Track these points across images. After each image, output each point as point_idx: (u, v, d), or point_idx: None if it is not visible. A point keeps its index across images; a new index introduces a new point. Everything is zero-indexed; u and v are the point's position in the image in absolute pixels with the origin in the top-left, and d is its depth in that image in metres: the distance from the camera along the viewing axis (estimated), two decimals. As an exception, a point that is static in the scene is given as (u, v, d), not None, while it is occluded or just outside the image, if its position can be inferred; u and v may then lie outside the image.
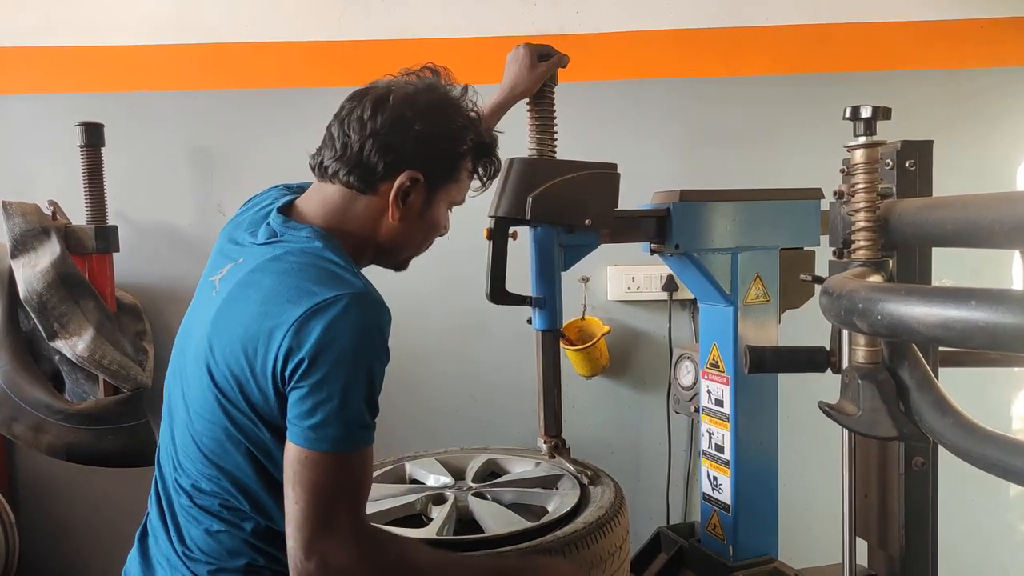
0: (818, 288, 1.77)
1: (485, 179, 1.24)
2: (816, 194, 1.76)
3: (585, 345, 2.24)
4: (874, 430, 1.10)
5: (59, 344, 2.04)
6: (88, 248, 2.14)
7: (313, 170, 1.18)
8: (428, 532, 1.41)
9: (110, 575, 2.42)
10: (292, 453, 1.00)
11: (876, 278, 1.02)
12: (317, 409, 0.98)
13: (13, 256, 2.03)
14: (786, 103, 2.39)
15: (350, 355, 0.99)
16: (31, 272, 2.01)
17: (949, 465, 1.68)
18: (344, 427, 0.99)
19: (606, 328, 2.25)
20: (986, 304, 0.65)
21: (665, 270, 2.31)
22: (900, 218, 1.08)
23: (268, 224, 1.16)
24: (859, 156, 1.10)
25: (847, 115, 1.10)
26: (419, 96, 1.12)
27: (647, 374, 2.38)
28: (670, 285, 2.33)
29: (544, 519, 1.45)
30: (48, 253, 2.04)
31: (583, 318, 2.34)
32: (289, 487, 1.00)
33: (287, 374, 0.99)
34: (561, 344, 2.18)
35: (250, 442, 1.06)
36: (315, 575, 0.98)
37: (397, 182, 1.12)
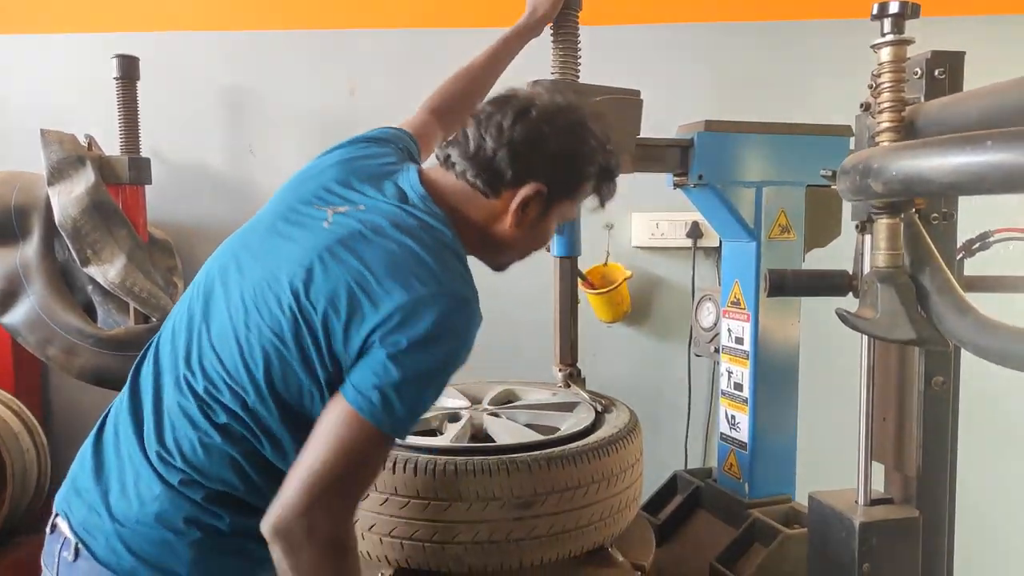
0: (845, 224, 1.76)
1: (603, 201, 1.24)
2: (846, 131, 1.73)
3: (607, 289, 2.23)
4: (892, 333, 1.09)
5: (92, 270, 2.09)
6: (122, 178, 2.18)
7: (439, 159, 1.20)
8: (442, 441, 1.43)
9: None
10: (339, 409, 1.00)
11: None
12: (392, 382, 0.98)
13: (50, 183, 2.09)
14: (818, 49, 2.34)
15: (445, 353, 1.01)
16: (67, 198, 2.06)
17: (979, 426, 1.65)
18: (405, 410, 1.00)
19: (628, 273, 2.24)
20: (1001, 143, 0.63)
21: (690, 216, 2.29)
22: (926, 117, 1.06)
23: (397, 184, 1.15)
24: (885, 54, 1.07)
25: (874, 13, 1.07)
26: (559, 115, 1.14)
27: (669, 321, 2.37)
28: (694, 232, 2.31)
29: (557, 435, 1.45)
30: (83, 180, 2.09)
31: (606, 264, 2.33)
32: (319, 440, 0.99)
33: (377, 337, 0.99)
34: (583, 287, 2.18)
35: (307, 377, 1.03)
36: (296, 535, 0.97)
37: (521, 192, 1.13)
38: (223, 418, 1.04)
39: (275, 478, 1.02)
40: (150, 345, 1.16)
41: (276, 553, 0.98)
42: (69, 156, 2.11)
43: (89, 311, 2.26)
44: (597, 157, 1.17)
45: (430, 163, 1.24)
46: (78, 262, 2.10)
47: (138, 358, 1.16)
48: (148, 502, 1.03)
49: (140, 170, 2.22)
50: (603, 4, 1.76)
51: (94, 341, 2.10)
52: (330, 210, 1.11)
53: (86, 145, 2.21)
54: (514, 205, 1.13)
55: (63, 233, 2.08)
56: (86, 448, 1.13)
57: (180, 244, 2.43)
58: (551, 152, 1.13)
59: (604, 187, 1.21)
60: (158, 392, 1.08)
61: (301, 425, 1.03)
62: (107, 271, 2.09)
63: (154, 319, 2.18)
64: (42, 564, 1.12)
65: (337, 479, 0.98)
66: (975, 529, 1.87)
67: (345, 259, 1.03)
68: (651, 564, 1.50)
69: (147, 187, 2.29)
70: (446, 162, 1.17)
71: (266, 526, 0.98)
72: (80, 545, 1.04)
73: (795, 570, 1.56)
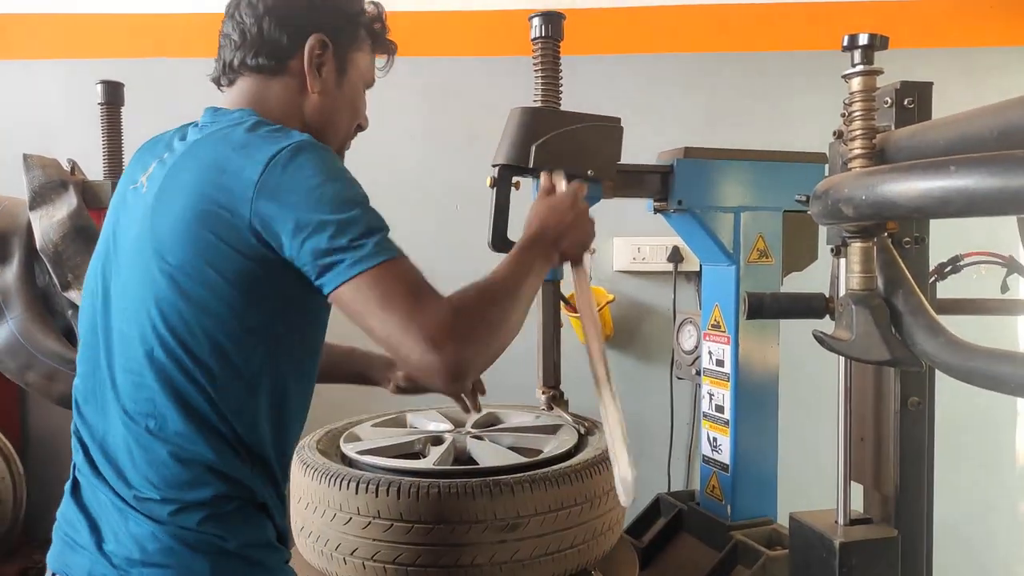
0: (821, 248, 1.79)
1: (383, 46, 1.23)
2: (820, 158, 1.77)
3: (589, 313, 2.25)
4: (868, 354, 1.11)
5: (72, 295, 2.08)
6: (105, 203, 2.18)
7: (217, 80, 1.17)
8: (425, 464, 1.43)
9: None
10: (348, 292, 0.93)
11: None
12: (329, 234, 0.92)
13: (32, 207, 2.08)
14: (795, 81, 2.41)
15: (334, 182, 0.96)
16: (48, 223, 2.06)
17: (952, 447, 1.69)
18: (368, 236, 0.94)
19: (610, 296, 2.27)
20: (964, 169, 0.66)
21: (671, 240, 2.32)
22: (896, 144, 1.09)
23: (192, 125, 1.12)
24: (856, 84, 1.11)
25: (845, 44, 1.11)
26: None
27: (651, 344, 2.39)
28: (675, 256, 2.34)
29: (540, 457, 1.46)
30: (65, 205, 2.08)
31: (588, 288, 2.35)
32: (370, 318, 0.92)
33: (276, 226, 0.94)
34: (565, 311, 2.20)
35: (218, 317, 0.98)
36: (439, 362, 0.91)
37: (307, 49, 1.11)
38: (167, 420, 1.00)
39: (242, 434, 1.01)
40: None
41: (466, 377, 0.94)
42: (51, 181, 2.11)
43: (69, 336, 2.24)
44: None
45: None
46: (59, 287, 2.09)
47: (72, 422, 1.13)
48: (147, 544, 0.99)
49: (123, 195, 2.22)
50: (585, 35, 1.81)
51: (74, 366, 2.08)
52: (142, 177, 1.08)
53: (69, 170, 2.21)
54: (307, 64, 1.11)
55: (44, 258, 2.06)
56: (67, 507, 1.09)
57: (162, 269, 2.42)
58: (313, 3, 1.12)
59: (377, 29, 1.21)
60: (97, 434, 1.05)
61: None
62: (88, 296, 2.07)
63: (135, 344, 2.16)
64: None
65: (411, 311, 0.91)
66: (952, 547, 1.90)
67: (179, 197, 0.98)
68: (635, 587, 1.50)
69: (130, 212, 2.29)
70: (228, 71, 1.14)
71: (432, 376, 0.92)
72: None
73: (778, 592, 1.57)
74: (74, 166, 2.23)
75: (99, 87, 2.21)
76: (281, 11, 1.11)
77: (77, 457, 1.10)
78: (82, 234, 2.09)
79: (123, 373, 1.03)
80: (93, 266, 1.13)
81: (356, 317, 0.95)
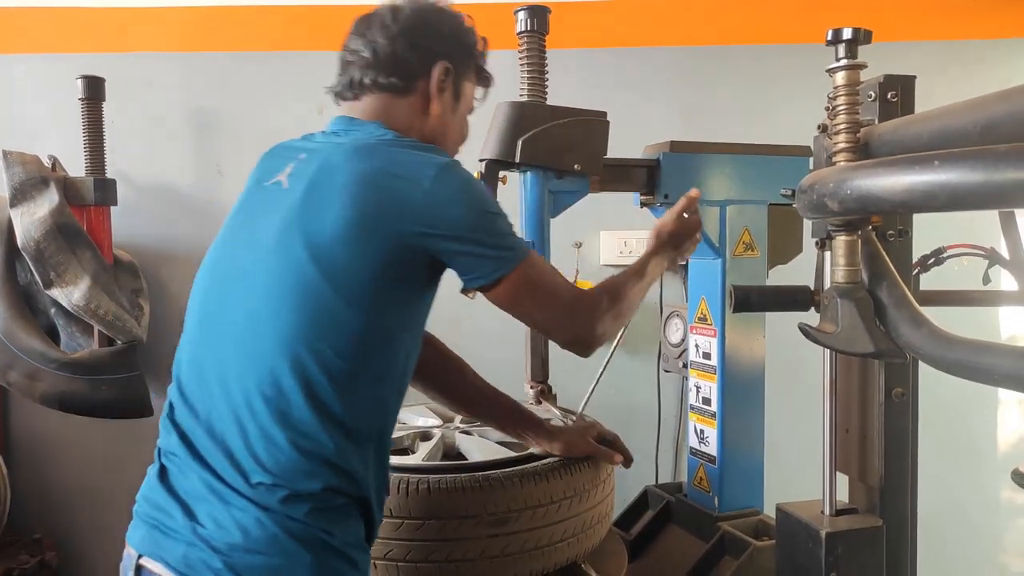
0: (806, 241, 1.80)
1: (484, 84, 1.34)
2: (805, 152, 1.77)
3: (577, 307, 2.25)
4: (852, 347, 1.12)
5: (55, 293, 2.06)
6: (86, 200, 2.16)
7: (340, 94, 1.25)
8: (414, 460, 1.43)
9: (98, 533, 2.46)
10: (506, 287, 1.11)
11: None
12: (483, 241, 1.09)
13: (12, 205, 2.06)
14: (780, 74, 2.42)
15: (481, 199, 1.12)
16: (29, 220, 2.03)
17: (939, 441, 1.71)
18: (511, 244, 1.13)
19: (598, 290, 2.27)
20: (948, 163, 0.67)
21: (657, 234, 2.33)
22: (880, 138, 1.10)
23: (322, 132, 1.21)
24: (840, 78, 1.12)
25: (829, 39, 1.12)
26: (423, 3, 1.25)
27: (638, 338, 2.40)
28: (662, 249, 2.35)
29: (529, 451, 1.46)
30: (47, 202, 2.06)
31: (575, 281, 2.35)
32: (527, 309, 1.15)
33: (439, 232, 1.07)
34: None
35: (355, 315, 1.05)
36: (588, 330, 1.19)
37: (435, 73, 1.22)
38: (292, 413, 1.03)
39: (358, 440, 1.06)
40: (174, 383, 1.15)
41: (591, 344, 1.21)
42: (32, 177, 2.08)
43: (52, 335, 2.22)
44: (471, 30, 1.28)
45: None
46: (41, 285, 2.07)
47: (167, 401, 1.15)
48: (252, 529, 1.00)
49: (105, 191, 2.20)
50: (571, 28, 1.80)
51: (57, 365, 2.07)
52: (280, 176, 1.14)
53: (50, 166, 2.18)
54: (433, 88, 1.21)
55: (26, 255, 2.04)
56: (153, 491, 1.09)
57: (146, 266, 2.40)
58: (441, 30, 1.23)
59: (484, 63, 1.32)
60: (208, 424, 1.07)
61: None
62: (71, 294, 2.06)
63: (119, 341, 2.15)
64: None
65: (553, 298, 1.16)
66: (936, 536, 1.92)
67: (329, 204, 1.05)
68: (623, 579, 1.51)
69: (112, 208, 2.27)
70: (354, 87, 1.22)
71: (577, 348, 1.21)
72: None
73: (765, 582, 1.58)
74: (55, 162, 2.20)
75: (80, 82, 2.18)
76: (413, 36, 1.20)
77: (168, 440, 1.11)
78: (64, 231, 2.07)
79: (248, 358, 1.05)
80: (212, 256, 1.19)
81: (515, 306, 1.14)
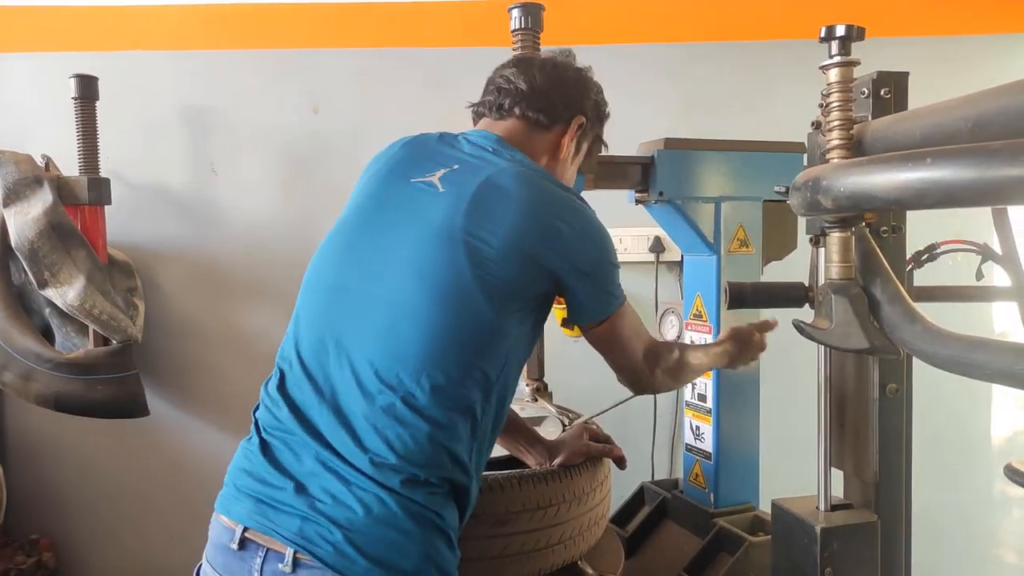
0: (800, 237, 1.81)
1: (599, 149, 1.46)
2: (799, 148, 1.77)
3: (572, 304, 2.25)
4: (846, 342, 1.13)
5: (50, 293, 2.05)
6: (80, 199, 2.15)
7: (483, 113, 1.35)
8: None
9: (94, 533, 2.46)
10: (604, 329, 1.24)
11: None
12: (603, 285, 1.22)
13: (5, 205, 2.05)
14: (774, 70, 2.42)
15: (611, 248, 1.24)
16: (23, 220, 2.03)
17: (933, 436, 1.72)
18: (618, 293, 1.25)
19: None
20: (941, 161, 0.67)
21: (652, 231, 2.33)
22: (873, 135, 1.11)
23: (467, 139, 1.28)
24: (833, 75, 1.12)
25: (822, 36, 1.12)
26: (576, 64, 1.40)
27: (634, 335, 2.40)
28: (657, 246, 2.36)
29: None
30: (40, 202, 2.05)
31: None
32: (610, 351, 1.27)
33: (574, 267, 1.17)
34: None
35: (508, 326, 1.13)
36: (649, 380, 1.32)
37: (574, 124, 1.34)
38: (426, 403, 1.08)
39: (479, 438, 1.14)
40: (284, 360, 1.19)
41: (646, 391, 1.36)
42: (25, 177, 2.08)
43: (47, 335, 2.22)
44: (606, 104, 1.42)
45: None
46: (35, 285, 2.06)
47: (274, 374, 1.19)
48: (373, 506, 1.04)
49: (99, 190, 2.19)
50: (564, 26, 1.80)
51: (52, 365, 2.06)
52: (432, 177, 1.21)
53: (43, 165, 2.18)
54: (568, 136, 1.33)
55: (19, 255, 2.04)
56: (256, 465, 1.12)
57: (140, 265, 2.40)
58: (588, 93, 1.37)
59: (603, 132, 1.44)
60: (333, 402, 1.11)
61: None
62: (66, 293, 2.05)
63: (115, 341, 2.14)
64: None
65: (638, 348, 1.29)
66: (931, 531, 1.93)
67: (497, 215, 1.13)
68: (620, 576, 1.52)
69: (107, 207, 2.26)
70: (499, 109, 1.32)
71: (633, 389, 1.34)
72: (300, 553, 1.03)
73: (760, 577, 1.59)
74: (48, 162, 2.20)
75: (72, 81, 2.17)
76: (566, 87, 1.34)
77: (275, 414, 1.14)
78: (58, 230, 2.06)
79: (390, 348, 1.10)
80: (346, 233, 1.24)
81: (608, 344, 1.28)
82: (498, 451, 1.46)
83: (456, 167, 1.21)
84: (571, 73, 1.36)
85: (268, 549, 1.05)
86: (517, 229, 1.13)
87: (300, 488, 1.06)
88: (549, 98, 1.31)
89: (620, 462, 1.55)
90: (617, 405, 1.81)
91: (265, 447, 1.13)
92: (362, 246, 1.20)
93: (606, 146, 1.48)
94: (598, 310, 1.23)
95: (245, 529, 1.07)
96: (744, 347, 1.52)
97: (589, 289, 1.20)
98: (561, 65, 1.36)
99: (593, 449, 1.49)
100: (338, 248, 1.23)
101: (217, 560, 1.11)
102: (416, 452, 1.07)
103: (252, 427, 1.17)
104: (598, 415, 1.75)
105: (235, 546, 1.07)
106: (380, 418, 1.08)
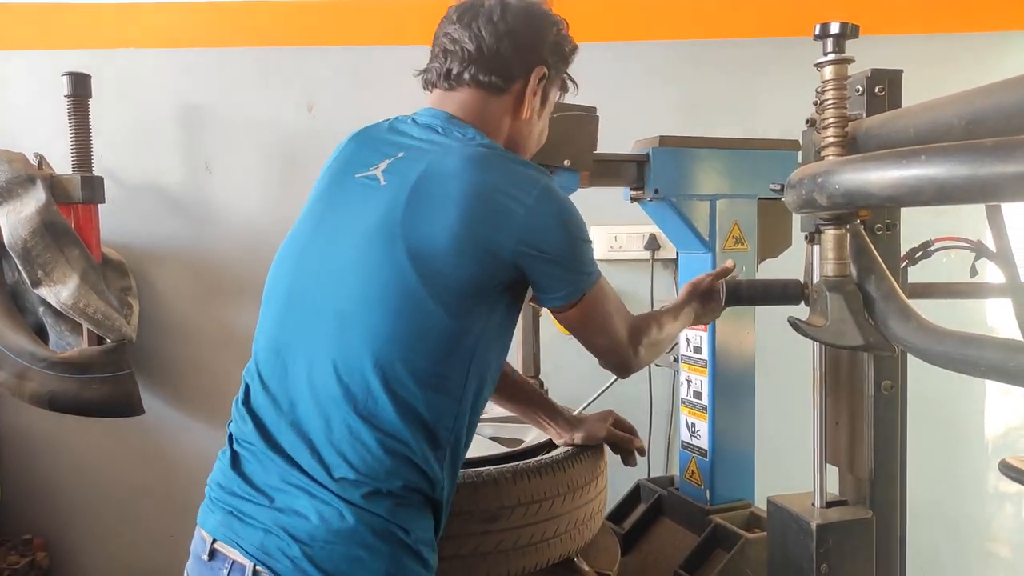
0: (795, 234, 1.81)
1: (566, 90, 1.32)
2: (794, 146, 1.78)
3: (568, 302, 2.26)
4: (841, 339, 1.13)
5: (43, 292, 2.04)
6: (74, 198, 2.14)
7: (432, 82, 1.23)
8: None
9: (88, 534, 2.45)
10: (580, 311, 1.15)
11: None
12: (571, 264, 1.12)
13: (-2, 203, 2.04)
14: (769, 68, 2.42)
15: (576, 224, 1.13)
16: (15, 219, 2.02)
17: (928, 433, 1.72)
18: (591, 270, 1.16)
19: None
20: (935, 158, 0.67)
21: (647, 228, 2.33)
22: (868, 132, 1.11)
23: (415, 122, 1.18)
24: (828, 73, 1.12)
25: (816, 33, 1.12)
26: (529, 4, 1.22)
27: (629, 333, 2.41)
28: (652, 244, 2.36)
29: (522, 447, 1.46)
30: (33, 200, 2.04)
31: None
32: (589, 334, 1.20)
33: (534, 250, 1.07)
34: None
35: (457, 322, 1.06)
36: (634, 359, 1.25)
37: (533, 78, 1.19)
38: (381, 414, 1.04)
39: (442, 444, 1.08)
40: (252, 376, 1.15)
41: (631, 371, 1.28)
42: (18, 175, 2.06)
43: (41, 334, 2.21)
44: (568, 39, 1.26)
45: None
46: (29, 284, 2.05)
47: (241, 389, 1.16)
48: (333, 521, 1.01)
49: (93, 189, 2.18)
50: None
51: (46, 364, 2.06)
52: (375, 171, 1.13)
53: (36, 164, 2.16)
54: (528, 92, 1.20)
55: (12, 254, 2.03)
56: (227, 477, 1.10)
57: (134, 264, 2.39)
58: (545, 36, 1.21)
59: (570, 71, 1.30)
60: (292, 416, 1.07)
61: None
62: (59, 292, 2.04)
63: (109, 340, 2.13)
64: None
65: (614, 326, 1.21)
66: (925, 526, 1.94)
67: (439, 207, 1.05)
68: (616, 573, 1.52)
69: (100, 206, 2.25)
70: (448, 77, 1.19)
71: (620, 372, 1.28)
72: (259, 567, 1.01)
73: (756, 573, 1.59)
74: (41, 160, 2.19)
75: (65, 79, 2.16)
76: (519, 38, 1.18)
77: (242, 428, 1.11)
78: (52, 229, 2.05)
79: (338, 356, 1.05)
80: (297, 242, 1.17)
81: (582, 327, 1.19)
82: (494, 448, 1.47)
83: (401, 155, 1.13)
84: (522, 16, 1.19)
85: (234, 561, 1.04)
86: (464, 219, 1.04)
87: (266, 501, 1.04)
88: (501, 55, 1.16)
89: (630, 456, 1.51)
90: (602, 393, 1.82)
91: (236, 459, 1.11)
92: (311, 252, 1.14)
93: (575, 84, 1.32)
94: (570, 292, 1.13)
95: (214, 540, 1.06)
96: (707, 300, 1.45)
97: (556, 271, 1.10)
98: (510, 8, 1.19)
99: (613, 436, 1.46)
100: (291, 255, 1.17)
101: (193, 570, 1.10)
102: (375, 465, 1.03)
103: (226, 439, 1.15)
104: (584, 408, 1.75)
105: (206, 557, 1.07)
106: (336, 432, 1.04)
